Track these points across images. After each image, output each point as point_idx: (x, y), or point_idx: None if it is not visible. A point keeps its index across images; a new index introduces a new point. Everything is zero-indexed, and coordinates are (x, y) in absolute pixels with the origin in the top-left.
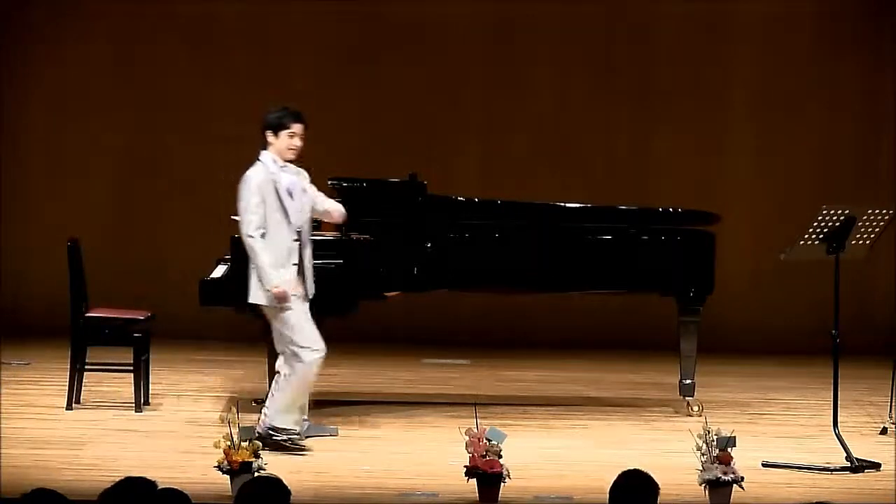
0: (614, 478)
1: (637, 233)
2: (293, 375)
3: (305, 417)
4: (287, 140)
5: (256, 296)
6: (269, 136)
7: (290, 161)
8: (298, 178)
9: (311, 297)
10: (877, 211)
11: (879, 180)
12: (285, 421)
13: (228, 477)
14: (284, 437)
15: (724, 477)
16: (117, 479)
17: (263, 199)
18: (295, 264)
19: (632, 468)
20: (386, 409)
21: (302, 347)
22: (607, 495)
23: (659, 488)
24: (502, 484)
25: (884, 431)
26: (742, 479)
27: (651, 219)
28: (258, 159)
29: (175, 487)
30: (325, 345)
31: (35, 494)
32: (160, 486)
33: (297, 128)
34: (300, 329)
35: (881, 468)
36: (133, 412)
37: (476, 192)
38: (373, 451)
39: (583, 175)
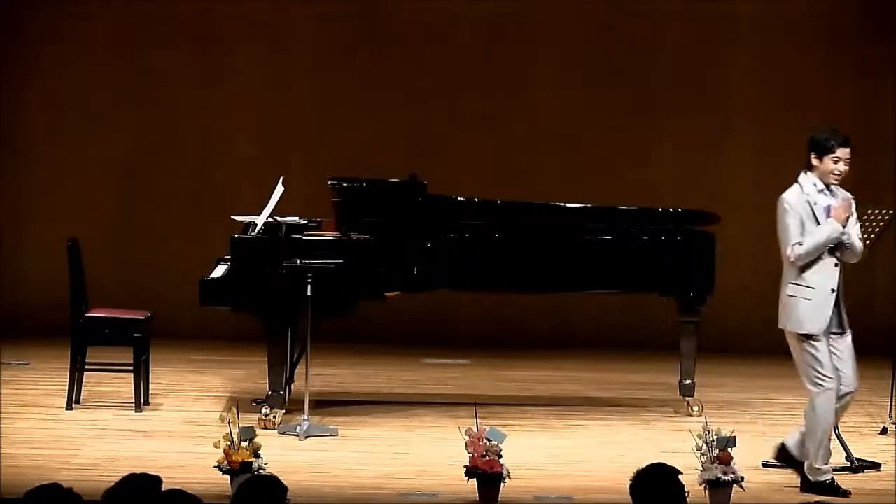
0: (627, 475)
1: (637, 233)
2: (812, 412)
3: (306, 417)
4: (831, 164)
5: (785, 321)
6: (813, 159)
7: (835, 184)
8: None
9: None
10: (877, 211)
11: (879, 180)
12: (819, 460)
13: (228, 477)
14: (826, 478)
15: (724, 477)
16: (116, 480)
17: (802, 221)
18: (833, 290)
19: (655, 463)
20: (386, 409)
21: (814, 382)
22: (609, 495)
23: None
24: (502, 484)
25: (884, 431)
26: (742, 479)
27: (651, 219)
28: (796, 181)
29: (182, 489)
30: (836, 378)
31: (40, 491)
32: (164, 487)
33: (842, 153)
34: (819, 363)
35: (881, 468)
36: (133, 412)
37: (475, 192)
38: (373, 451)
39: (583, 175)
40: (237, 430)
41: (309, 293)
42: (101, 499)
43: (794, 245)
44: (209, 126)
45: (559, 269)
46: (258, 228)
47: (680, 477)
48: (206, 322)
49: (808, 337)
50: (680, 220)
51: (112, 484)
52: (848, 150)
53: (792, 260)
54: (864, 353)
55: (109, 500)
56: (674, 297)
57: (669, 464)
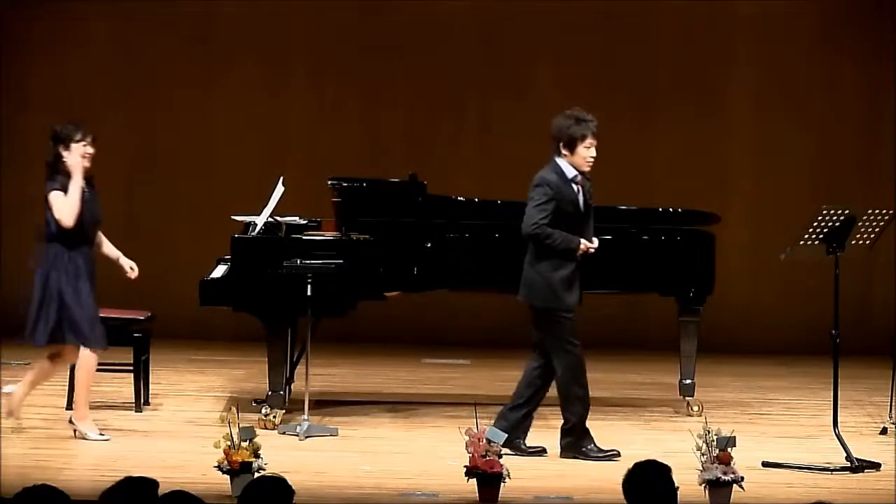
0: (623, 472)
1: (637, 233)
2: None
3: (306, 417)
4: None
5: None
6: None
7: None
8: None
9: None
10: (877, 211)
11: (879, 180)
12: None
13: (228, 477)
14: None
15: (724, 477)
16: (117, 480)
17: None
18: None
19: (648, 460)
20: (386, 409)
21: None
22: (609, 495)
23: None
24: (502, 484)
25: (884, 431)
26: (742, 479)
27: (651, 219)
28: None
29: (184, 490)
30: None
31: (32, 491)
32: (165, 486)
33: None
34: None
35: (881, 468)
36: (133, 412)
37: (476, 192)
38: (373, 451)
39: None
40: (237, 430)
41: (309, 293)
42: (97, 501)
43: None
44: (209, 127)
45: None
46: (258, 228)
47: (672, 475)
48: (206, 322)
49: None
50: (680, 220)
51: (110, 485)
52: None
53: None
54: (864, 353)
55: (106, 503)
56: (674, 297)
57: (661, 461)
